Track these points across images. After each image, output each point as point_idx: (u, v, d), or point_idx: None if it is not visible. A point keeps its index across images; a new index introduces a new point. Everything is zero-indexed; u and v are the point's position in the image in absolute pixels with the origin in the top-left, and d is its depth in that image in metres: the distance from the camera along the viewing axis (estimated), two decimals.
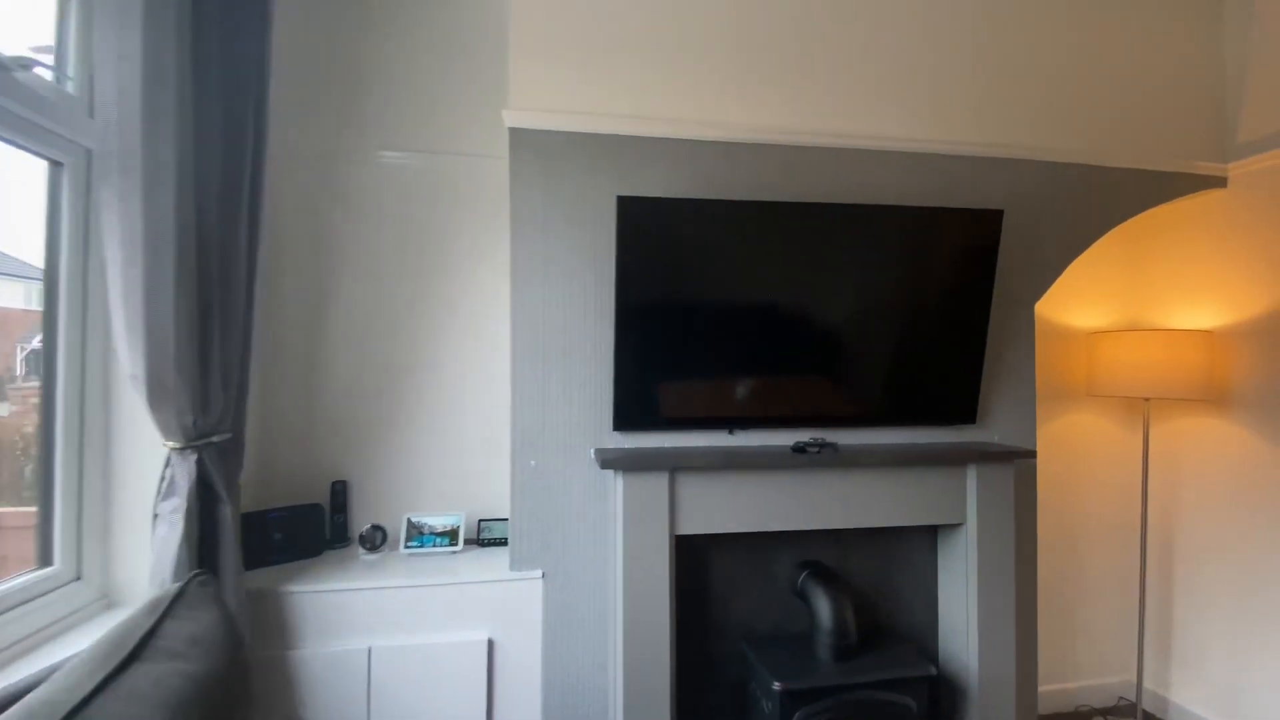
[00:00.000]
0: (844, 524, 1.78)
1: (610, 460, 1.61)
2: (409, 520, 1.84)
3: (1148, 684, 2.43)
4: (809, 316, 1.77)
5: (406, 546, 1.83)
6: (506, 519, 1.94)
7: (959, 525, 1.85)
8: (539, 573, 1.72)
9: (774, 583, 1.87)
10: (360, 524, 1.90)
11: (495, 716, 1.67)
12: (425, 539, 1.83)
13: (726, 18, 1.85)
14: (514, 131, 1.74)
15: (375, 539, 1.82)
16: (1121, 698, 2.46)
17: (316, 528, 1.85)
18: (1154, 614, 2.44)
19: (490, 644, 1.66)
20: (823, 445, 1.77)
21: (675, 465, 1.65)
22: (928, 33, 1.97)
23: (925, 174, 1.96)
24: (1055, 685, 2.44)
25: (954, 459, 1.80)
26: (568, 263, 1.76)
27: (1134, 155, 2.12)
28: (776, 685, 1.56)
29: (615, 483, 1.68)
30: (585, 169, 1.77)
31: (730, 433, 1.83)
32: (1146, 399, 2.22)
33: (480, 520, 1.95)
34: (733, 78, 1.85)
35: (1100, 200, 2.11)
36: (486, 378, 2.04)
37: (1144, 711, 2.37)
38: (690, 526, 1.69)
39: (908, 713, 1.61)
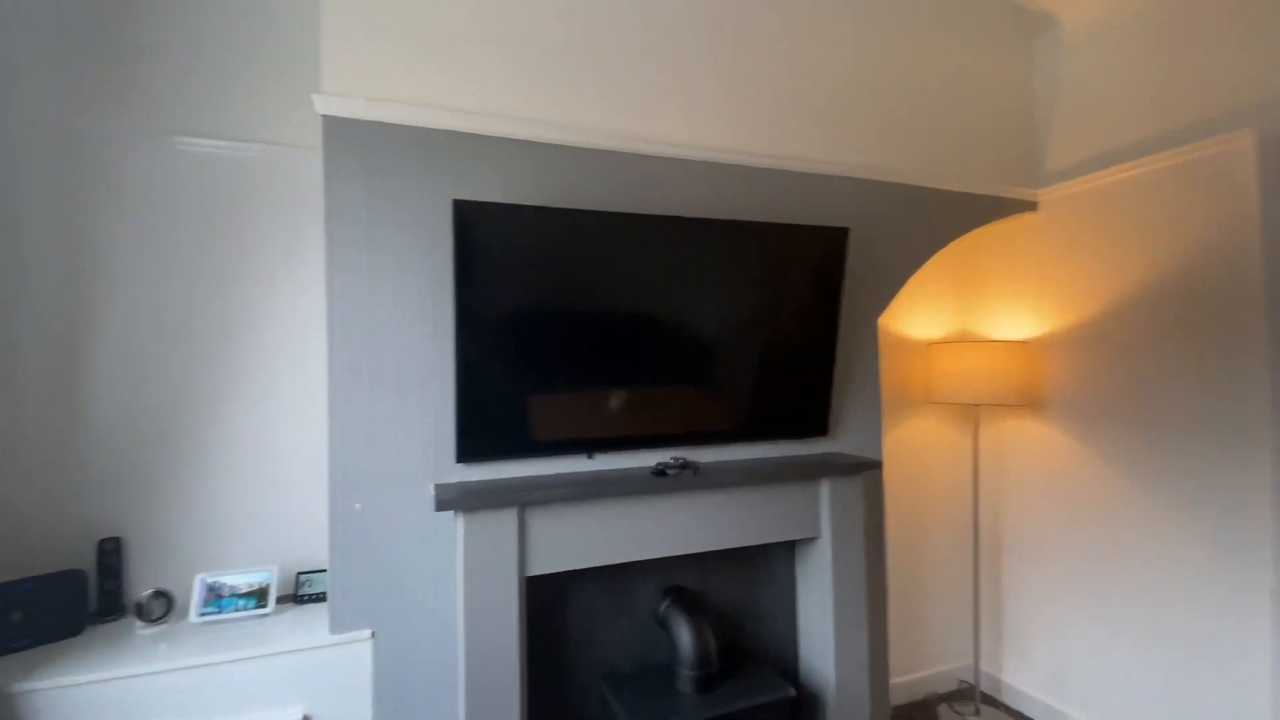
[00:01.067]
0: (705, 547, 1.72)
1: (448, 500, 1.43)
2: (203, 581, 1.53)
3: (984, 667, 2.64)
4: (664, 333, 1.70)
5: (201, 613, 1.52)
6: (323, 570, 1.69)
7: (815, 539, 1.86)
8: (368, 633, 1.50)
9: (635, 614, 1.77)
10: (139, 590, 1.56)
11: None
12: (225, 602, 1.53)
13: (583, 16, 1.73)
14: (328, 120, 1.51)
15: (156, 608, 1.49)
16: (962, 681, 2.65)
17: (76, 599, 1.49)
18: (987, 602, 2.65)
19: None
20: (684, 465, 1.71)
21: (525, 500, 1.50)
22: (778, 57, 1.98)
23: (779, 189, 1.97)
24: (906, 676, 2.57)
25: (808, 474, 1.81)
26: (397, 272, 1.55)
27: (961, 180, 2.28)
28: None
29: (457, 525, 1.50)
30: (417, 167, 1.57)
31: (589, 457, 1.72)
32: (975, 405, 2.40)
33: (299, 573, 1.68)
34: (588, 79, 1.74)
35: (933, 220, 2.25)
36: (306, 403, 1.77)
37: (980, 693, 2.56)
38: (543, 566, 1.55)
39: None
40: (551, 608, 1.69)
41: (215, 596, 1.52)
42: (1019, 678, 2.53)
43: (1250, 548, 1.84)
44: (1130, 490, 2.14)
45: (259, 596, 1.55)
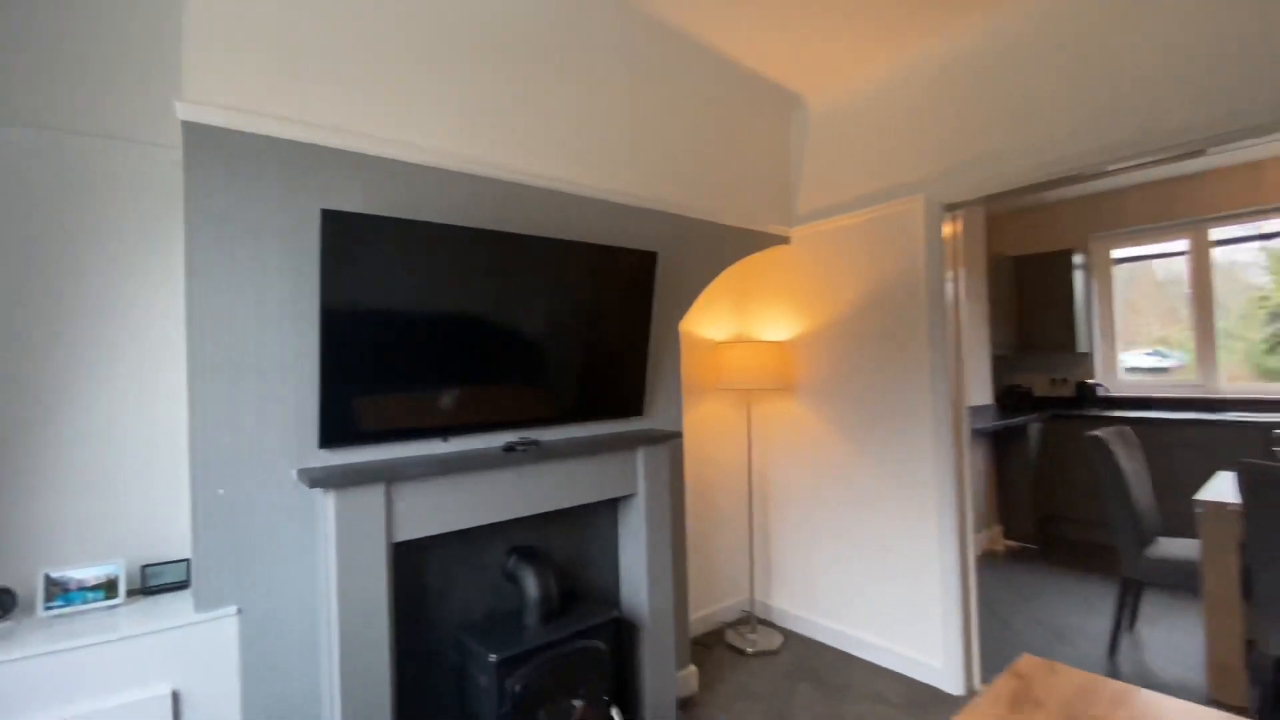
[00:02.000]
0: (547, 508, 2.09)
1: (320, 478, 1.61)
2: (47, 577, 1.51)
3: (759, 597, 3.38)
4: (511, 332, 2.03)
5: (47, 607, 1.49)
6: (179, 560, 1.74)
7: (632, 496, 2.34)
8: (234, 609, 1.61)
9: (486, 571, 2.07)
10: None
11: None
12: (73, 595, 1.52)
13: (442, 47, 1.99)
14: (189, 126, 1.59)
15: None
16: (744, 611, 3.35)
17: None
18: (760, 545, 3.39)
19: (175, 697, 1.49)
20: (529, 443, 2.05)
21: (391, 476, 1.73)
22: (611, 112, 2.42)
23: (603, 217, 2.41)
24: (702, 612, 3.19)
25: (627, 444, 2.27)
26: (259, 272, 1.68)
27: (738, 217, 2.94)
28: (492, 657, 1.78)
29: (325, 501, 1.68)
30: (281, 176, 1.71)
31: (444, 439, 1.98)
32: (749, 390, 3.10)
33: (145, 566, 1.69)
34: (447, 107, 2.00)
35: (718, 247, 2.88)
36: (150, 396, 1.78)
37: (756, 618, 3.28)
38: (409, 533, 1.78)
39: (599, 651, 2.00)
40: (414, 571, 1.92)
41: (62, 591, 1.50)
42: (784, 601, 3.29)
43: (919, 482, 2.72)
44: (850, 447, 2.97)
45: (108, 589, 1.57)
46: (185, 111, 1.58)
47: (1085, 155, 2.22)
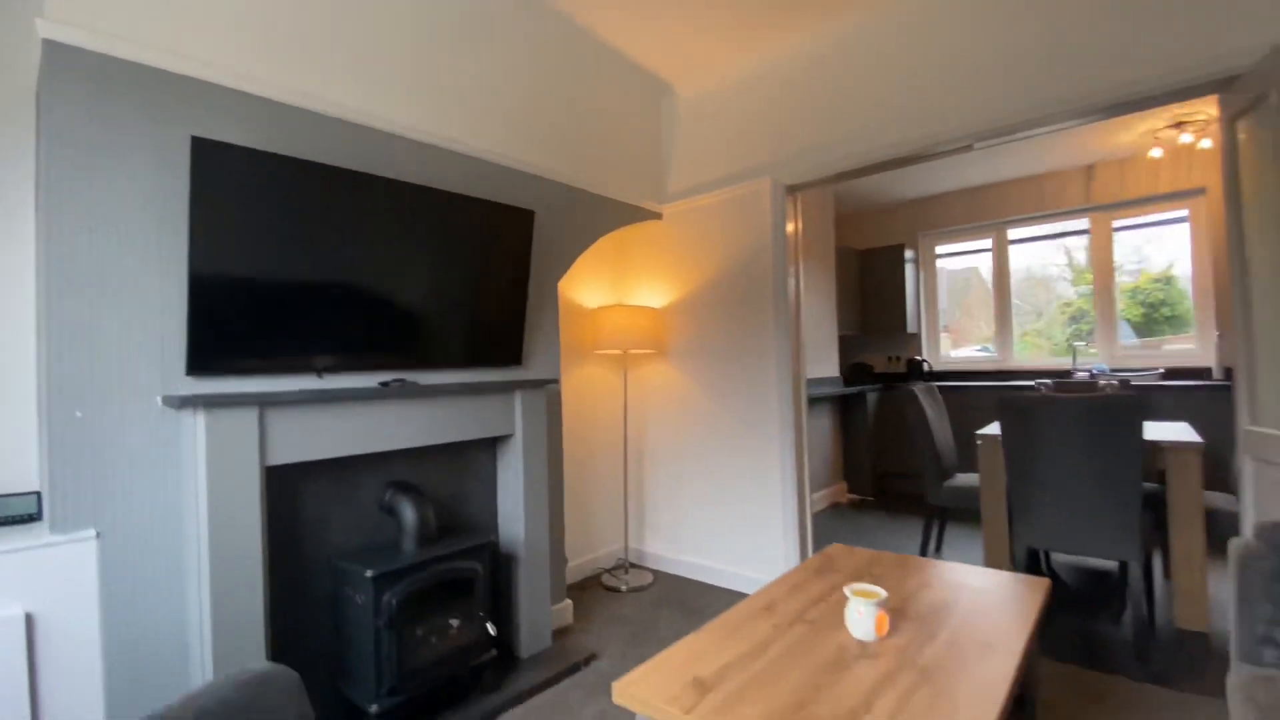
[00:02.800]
0: (424, 442, 2.20)
1: (190, 399, 1.63)
2: None
3: (633, 544, 3.66)
4: (392, 278, 2.13)
5: None
6: (27, 493, 1.68)
7: (510, 436, 2.51)
8: (92, 533, 1.59)
9: (363, 505, 2.15)
10: None
11: (42, 698, 1.48)
12: None
13: None
14: (51, 45, 1.56)
15: None
16: (619, 558, 3.62)
17: None
18: (634, 496, 3.68)
19: (29, 619, 1.47)
20: (405, 382, 2.16)
21: (265, 401, 1.77)
22: (490, 75, 2.57)
23: (488, 176, 2.56)
24: (582, 558, 3.42)
25: (505, 388, 2.44)
26: (120, 199, 1.66)
27: (612, 189, 3.20)
28: (368, 573, 1.88)
29: (195, 422, 1.70)
30: (149, 106, 1.70)
31: (319, 375, 2.03)
32: (626, 352, 3.37)
33: None
34: (325, 53, 2.05)
35: (594, 215, 3.11)
36: None
37: (629, 562, 3.56)
38: (282, 457, 1.83)
39: (475, 573, 2.15)
40: (290, 501, 1.96)
41: None
42: (655, 545, 3.59)
43: (767, 430, 3.12)
44: (713, 405, 3.33)
45: None
46: (47, 29, 1.55)
47: (895, 146, 2.70)
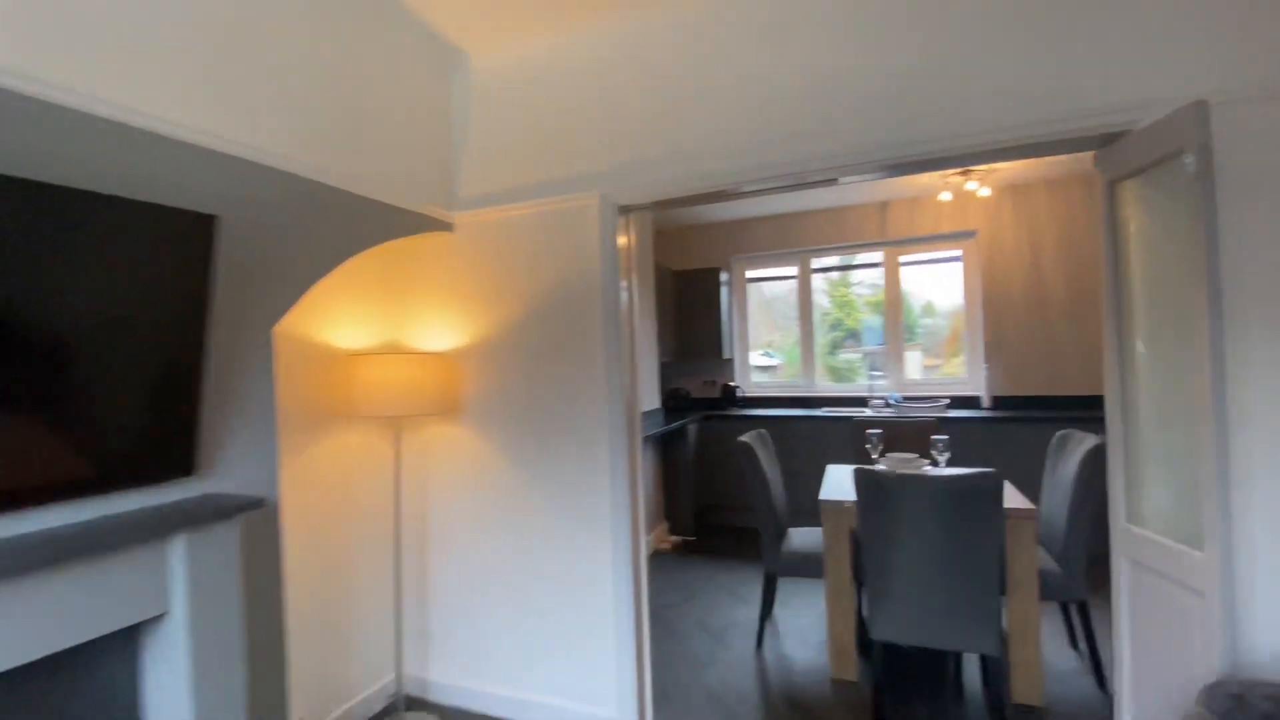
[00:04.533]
0: None
1: None
2: None
3: (413, 671, 2.69)
4: None
5: None
6: None
7: (163, 617, 1.43)
8: None
9: None
10: None
11: None
12: None
13: None
14: None
15: None
16: (393, 694, 2.63)
17: None
18: (414, 605, 2.71)
19: None
20: None
21: None
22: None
23: (166, 161, 1.44)
24: (334, 709, 2.37)
25: (149, 534, 1.37)
26: None
27: (383, 189, 2.22)
28: None
29: None
30: None
31: None
32: (400, 416, 2.41)
33: None
34: None
35: (351, 224, 2.12)
36: None
37: (407, 697, 2.60)
38: None
39: None
40: None
41: None
42: (444, 670, 2.68)
43: (596, 509, 2.41)
44: (525, 480, 2.53)
45: None
46: None
47: (759, 169, 2.17)
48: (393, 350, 2.65)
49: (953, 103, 1.89)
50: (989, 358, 4.83)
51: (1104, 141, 1.81)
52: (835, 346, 5.65)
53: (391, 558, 2.63)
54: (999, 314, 4.82)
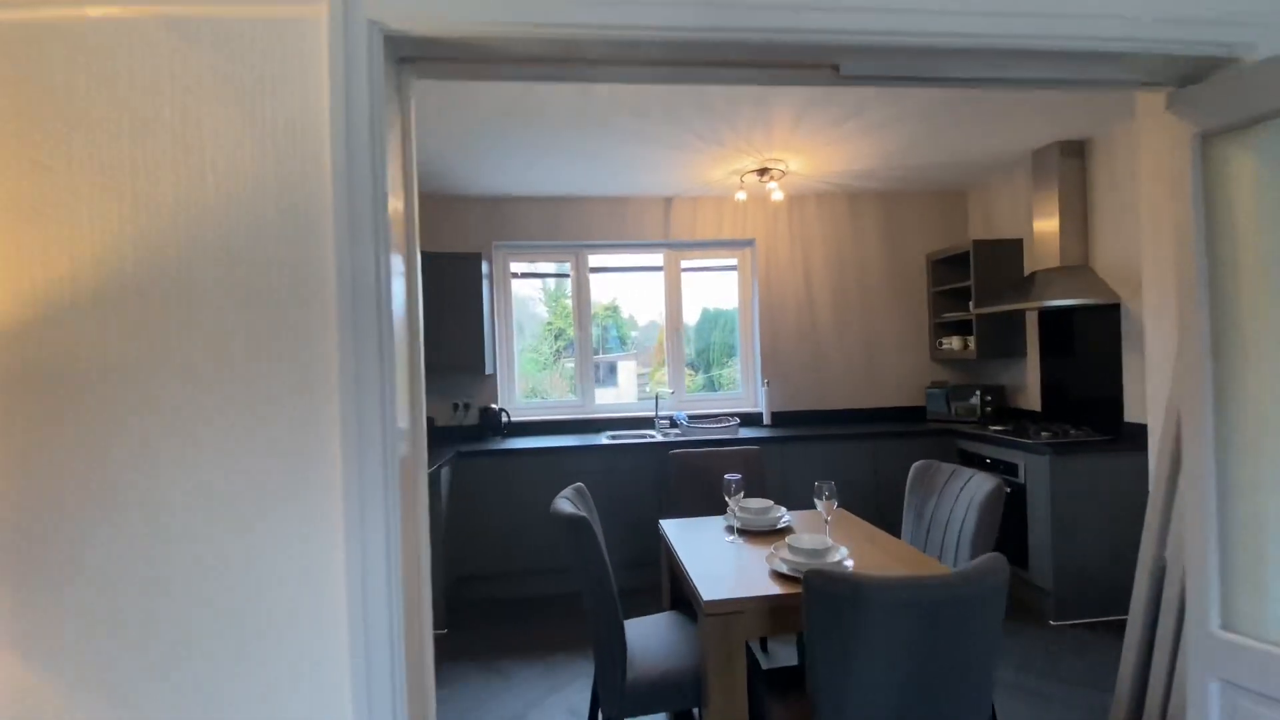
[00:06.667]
0: None
1: None
2: None
3: None
4: None
5: None
6: None
7: None
8: None
9: None
10: None
11: None
12: None
13: None
14: None
15: None
16: None
17: None
18: None
19: None
20: None
21: None
22: None
23: None
24: None
25: None
26: None
27: None
28: None
29: None
30: None
31: None
32: None
33: None
34: None
35: None
36: None
37: None
38: None
39: None
40: None
41: None
42: None
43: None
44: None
45: None
46: None
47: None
48: None
49: None
50: (766, 374, 4.57)
51: (1188, 76, 1.23)
52: (558, 357, 4.82)
53: None
54: (774, 327, 4.60)
